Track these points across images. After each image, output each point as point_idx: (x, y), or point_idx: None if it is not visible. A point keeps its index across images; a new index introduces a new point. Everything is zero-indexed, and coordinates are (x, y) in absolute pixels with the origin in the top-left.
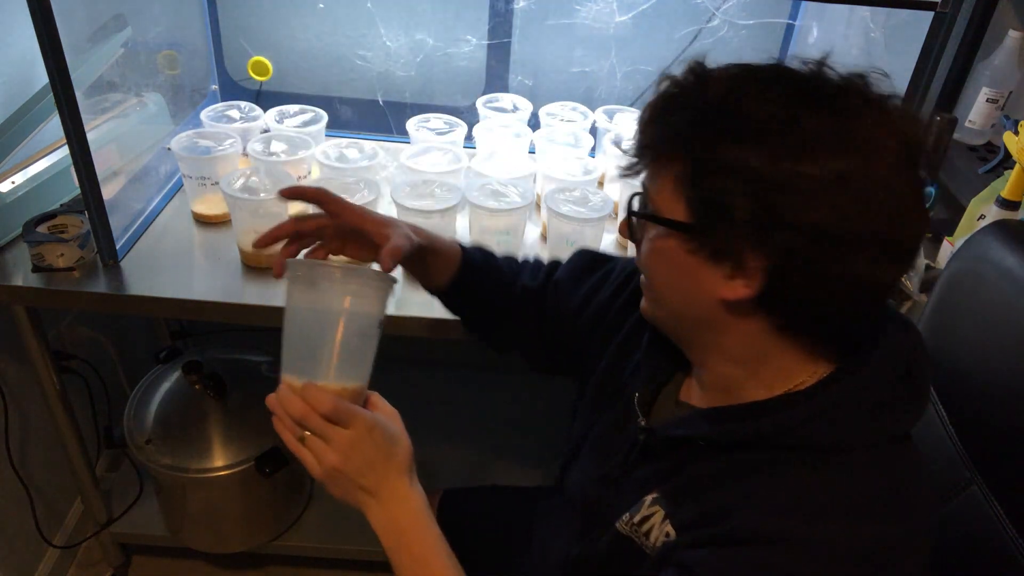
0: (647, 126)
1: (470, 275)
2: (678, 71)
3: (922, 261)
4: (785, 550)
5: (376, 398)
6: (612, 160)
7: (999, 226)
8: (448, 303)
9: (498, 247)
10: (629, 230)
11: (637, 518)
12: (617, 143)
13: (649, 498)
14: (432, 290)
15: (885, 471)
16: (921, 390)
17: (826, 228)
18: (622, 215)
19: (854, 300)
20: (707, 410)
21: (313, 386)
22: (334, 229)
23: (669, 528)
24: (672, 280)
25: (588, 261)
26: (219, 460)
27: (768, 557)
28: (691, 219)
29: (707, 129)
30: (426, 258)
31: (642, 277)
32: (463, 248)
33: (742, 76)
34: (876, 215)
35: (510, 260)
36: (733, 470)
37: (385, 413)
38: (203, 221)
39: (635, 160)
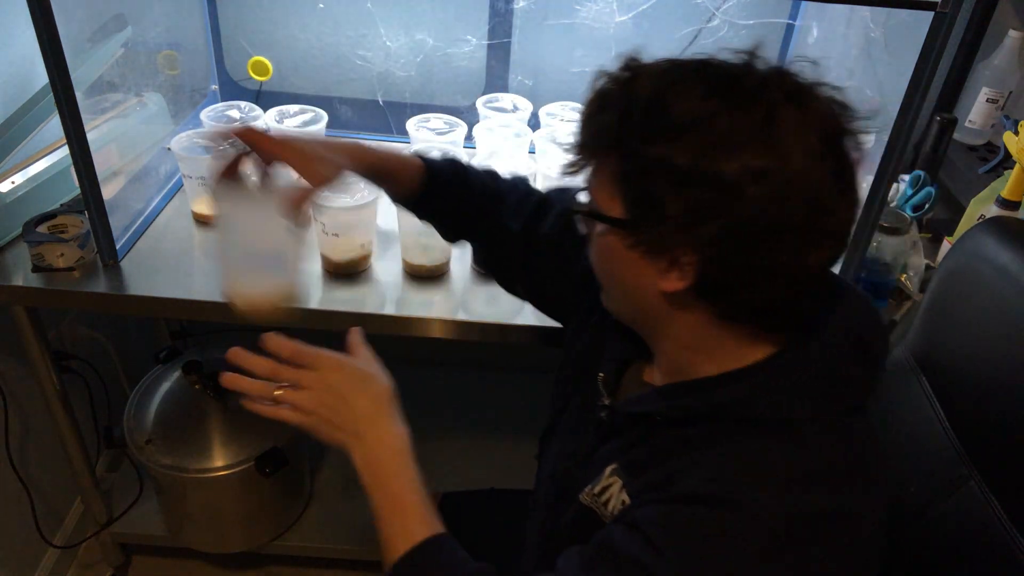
0: (584, 124)
1: (437, 191)
2: (614, 66)
3: (922, 261)
4: (726, 511)
5: (354, 341)
6: None
7: (993, 222)
8: (419, 216)
9: None
10: (576, 227)
11: (598, 488)
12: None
13: (609, 469)
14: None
15: (832, 443)
16: (873, 362)
17: (748, 223)
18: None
19: (787, 286)
20: (662, 387)
21: (271, 336)
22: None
23: (625, 496)
24: (617, 274)
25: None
26: (219, 460)
27: (709, 516)
28: (626, 215)
29: (634, 127)
30: (379, 179)
31: None
32: (428, 165)
33: (668, 73)
34: (796, 208)
35: (487, 179)
36: (687, 442)
37: (360, 356)
38: (203, 221)
39: (577, 157)
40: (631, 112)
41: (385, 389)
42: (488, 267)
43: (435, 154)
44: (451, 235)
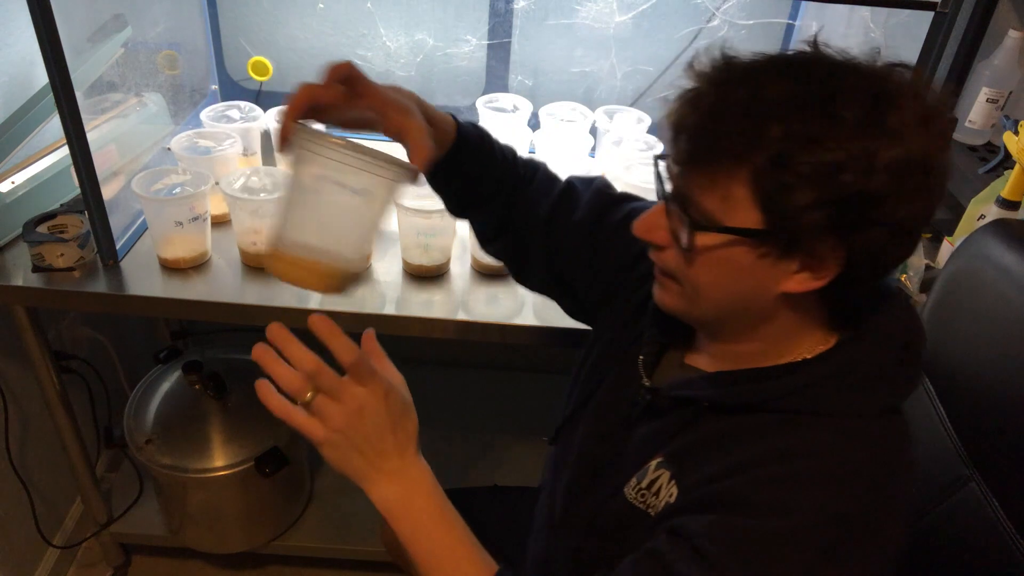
0: (697, 133)
1: (462, 156)
2: (704, 65)
3: (922, 261)
4: (776, 520)
5: (385, 360)
6: (612, 160)
7: (998, 225)
8: (434, 181)
9: None
10: (671, 239)
11: (645, 482)
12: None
13: (654, 463)
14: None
15: (875, 440)
16: (916, 364)
17: (904, 222)
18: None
19: (881, 276)
20: (714, 374)
21: (339, 334)
22: (347, 105)
23: (675, 488)
24: (726, 282)
25: (608, 203)
26: (219, 460)
27: (760, 527)
28: (766, 225)
29: (770, 134)
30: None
31: (658, 272)
32: (459, 126)
33: (841, 67)
34: (936, 201)
35: (509, 154)
36: (734, 432)
37: (396, 379)
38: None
39: (681, 168)
40: (765, 119)
41: (416, 425)
42: (502, 251)
43: (462, 118)
44: (461, 207)
